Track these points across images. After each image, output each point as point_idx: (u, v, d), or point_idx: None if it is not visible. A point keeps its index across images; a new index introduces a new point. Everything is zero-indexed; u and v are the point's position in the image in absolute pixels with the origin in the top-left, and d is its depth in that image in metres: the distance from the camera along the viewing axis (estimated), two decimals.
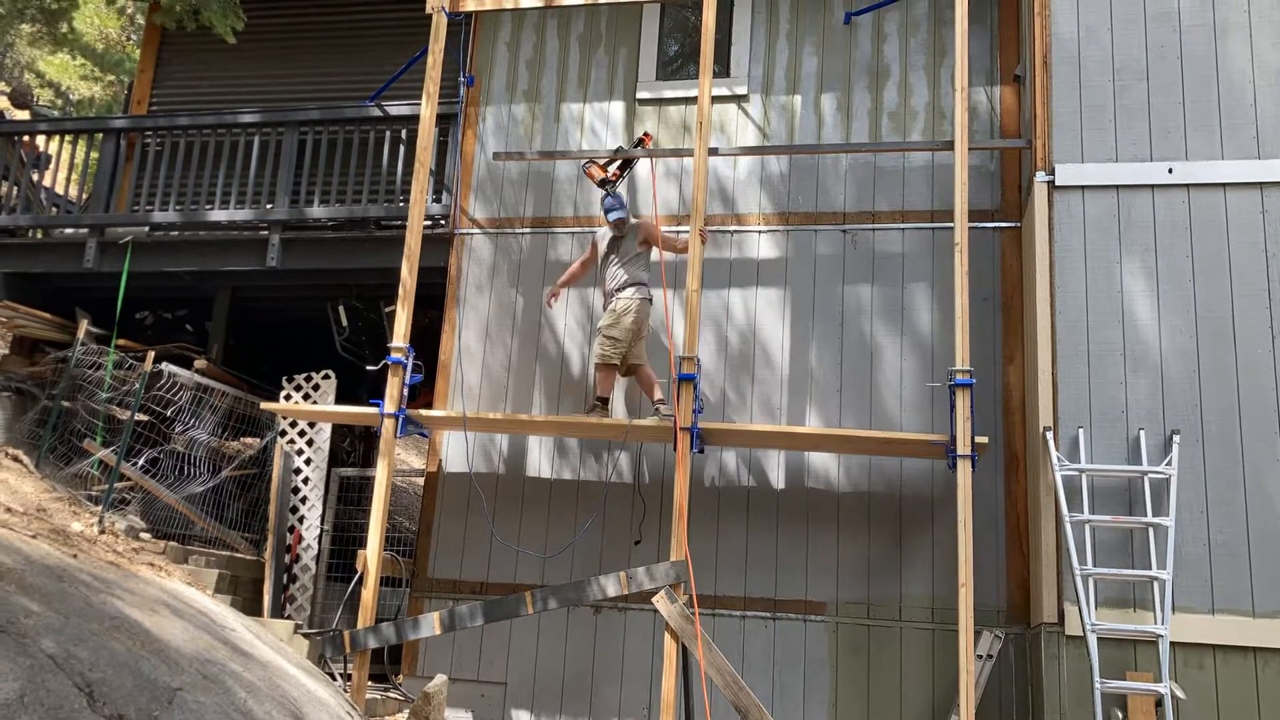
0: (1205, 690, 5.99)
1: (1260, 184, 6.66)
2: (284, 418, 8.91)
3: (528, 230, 8.50)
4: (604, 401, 7.39)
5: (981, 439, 6.52)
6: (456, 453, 8.15)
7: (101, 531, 7.31)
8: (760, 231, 8.04)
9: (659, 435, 7.22)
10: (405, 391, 7.17)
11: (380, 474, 7.09)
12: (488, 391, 8.24)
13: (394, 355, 7.18)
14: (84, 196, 10.83)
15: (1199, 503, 6.26)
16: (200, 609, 5.89)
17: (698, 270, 6.91)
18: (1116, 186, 6.82)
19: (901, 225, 7.81)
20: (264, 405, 8.09)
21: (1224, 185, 6.70)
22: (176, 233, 9.69)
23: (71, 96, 19.54)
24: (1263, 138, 6.72)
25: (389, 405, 7.15)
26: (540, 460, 8.05)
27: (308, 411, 8.11)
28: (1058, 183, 6.87)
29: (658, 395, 7.32)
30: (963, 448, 6.37)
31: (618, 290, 7.44)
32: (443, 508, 8.09)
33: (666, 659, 6.40)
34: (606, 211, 7.53)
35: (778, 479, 7.60)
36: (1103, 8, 7.10)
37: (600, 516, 7.70)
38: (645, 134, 8.18)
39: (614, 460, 7.85)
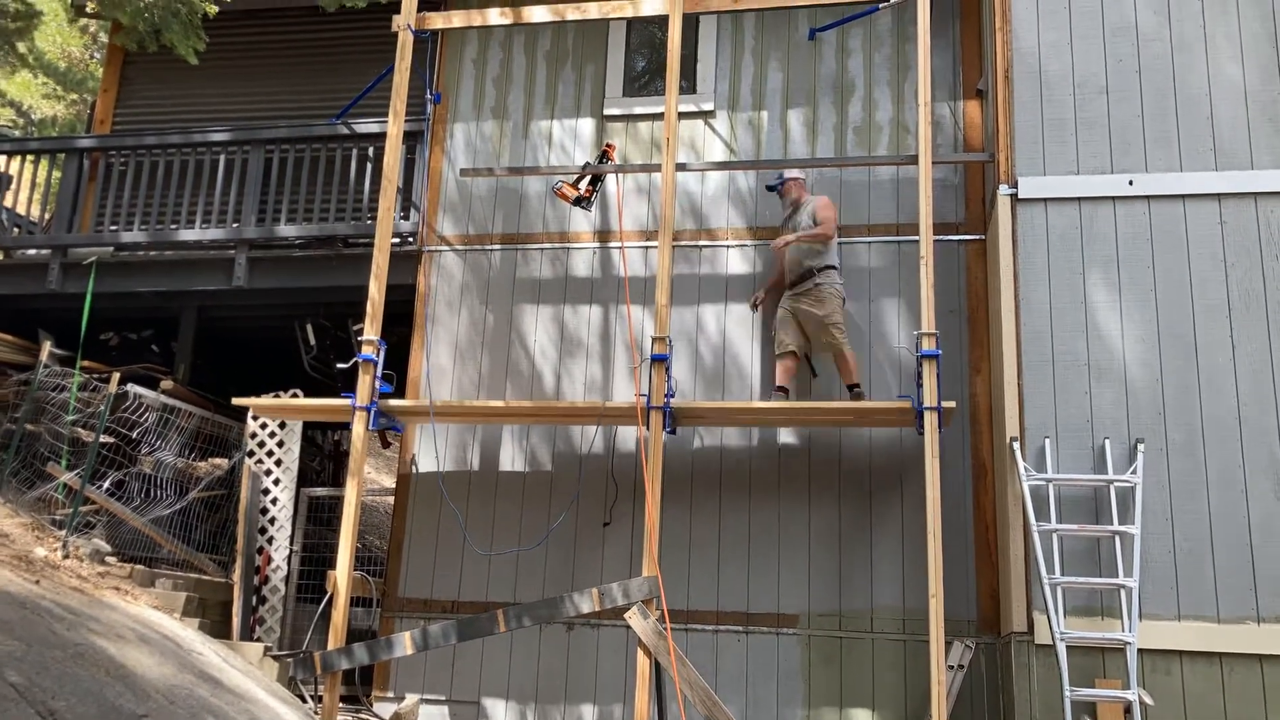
0: (1173, 696, 6.05)
1: (1218, 195, 6.76)
2: (251, 437, 8.84)
3: (497, 247, 8.49)
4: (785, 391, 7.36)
5: (949, 404, 6.60)
6: (429, 454, 8.12)
7: (66, 556, 7.21)
8: (729, 246, 8.07)
9: (632, 418, 7.23)
10: (377, 384, 7.17)
11: (350, 493, 7.04)
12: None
13: (365, 352, 7.18)
14: (46, 217, 10.70)
15: (1164, 510, 6.33)
16: (167, 634, 5.82)
17: (667, 268, 6.94)
18: (1078, 199, 6.91)
19: (868, 239, 7.86)
20: (236, 401, 7.98)
21: (1183, 197, 6.80)
22: (141, 252, 9.60)
23: (33, 115, 19.32)
24: (1220, 150, 6.83)
25: (361, 398, 7.15)
26: (513, 454, 8.06)
27: (280, 407, 8.04)
28: (1021, 195, 6.95)
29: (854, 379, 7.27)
30: (930, 437, 6.41)
31: (820, 270, 7.29)
32: (414, 514, 8.04)
33: (639, 675, 6.38)
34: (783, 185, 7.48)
35: (748, 471, 7.62)
36: (1063, 22, 7.20)
37: (574, 504, 7.74)
38: (608, 145, 8.21)
39: (589, 445, 7.88)
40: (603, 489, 7.79)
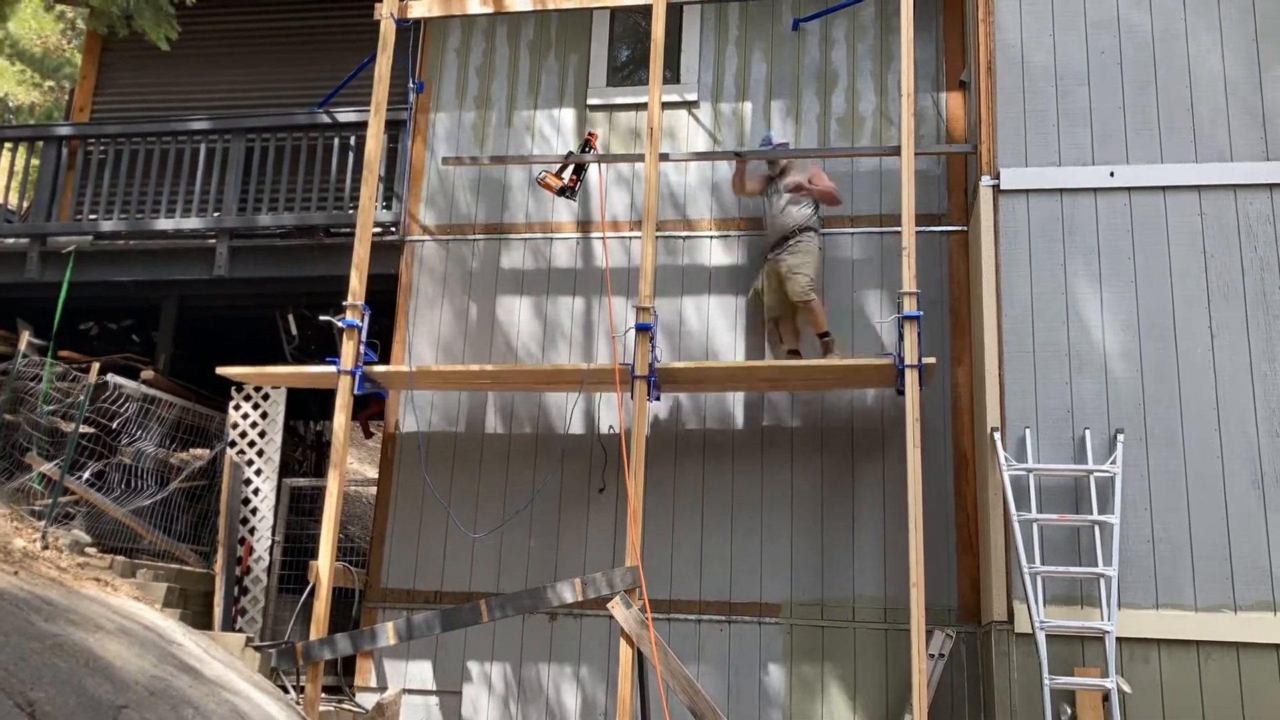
0: (1150, 684, 6.10)
1: (1198, 186, 6.80)
2: (233, 428, 8.80)
3: (480, 237, 8.47)
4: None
5: (929, 359, 6.67)
6: (412, 446, 8.10)
7: (45, 547, 7.17)
8: (711, 237, 8.07)
9: (615, 382, 7.23)
10: (361, 350, 7.21)
11: (332, 483, 7.03)
12: (440, 401, 8.20)
13: (349, 317, 7.21)
14: (25, 205, 10.60)
15: (1143, 500, 6.38)
16: (147, 624, 5.79)
17: (651, 237, 6.94)
18: (1060, 190, 6.94)
19: (851, 230, 7.88)
20: (220, 370, 7.92)
21: (1163, 188, 6.84)
22: (121, 242, 9.52)
23: (10, 103, 19.12)
24: (1200, 142, 6.87)
25: (345, 363, 7.17)
26: (496, 439, 8.08)
27: (263, 374, 8.01)
28: (1003, 187, 6.98)
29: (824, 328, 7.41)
30: (911, 394, 6.47)
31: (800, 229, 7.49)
32: (397, 504, 8.03)
33: (622, 664, 6.40)
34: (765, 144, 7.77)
35: (730, 461, 7.63)
36: (1045, 15, 7.22)
37: (559, 471, 7.79)
38: (590, 134, 8.19)
39: (571, 411, 7.92)
40: (585, 472, 7.80)
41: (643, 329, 6.85)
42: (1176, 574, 6.25)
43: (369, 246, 7.45)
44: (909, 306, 6.61)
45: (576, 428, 7.91)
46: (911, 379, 6.53)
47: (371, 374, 7.34)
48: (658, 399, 7.04)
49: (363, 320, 7.23)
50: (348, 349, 7.19)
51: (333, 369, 7.25)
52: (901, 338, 6.62)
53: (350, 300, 7.26)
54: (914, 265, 6.69)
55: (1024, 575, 6.22)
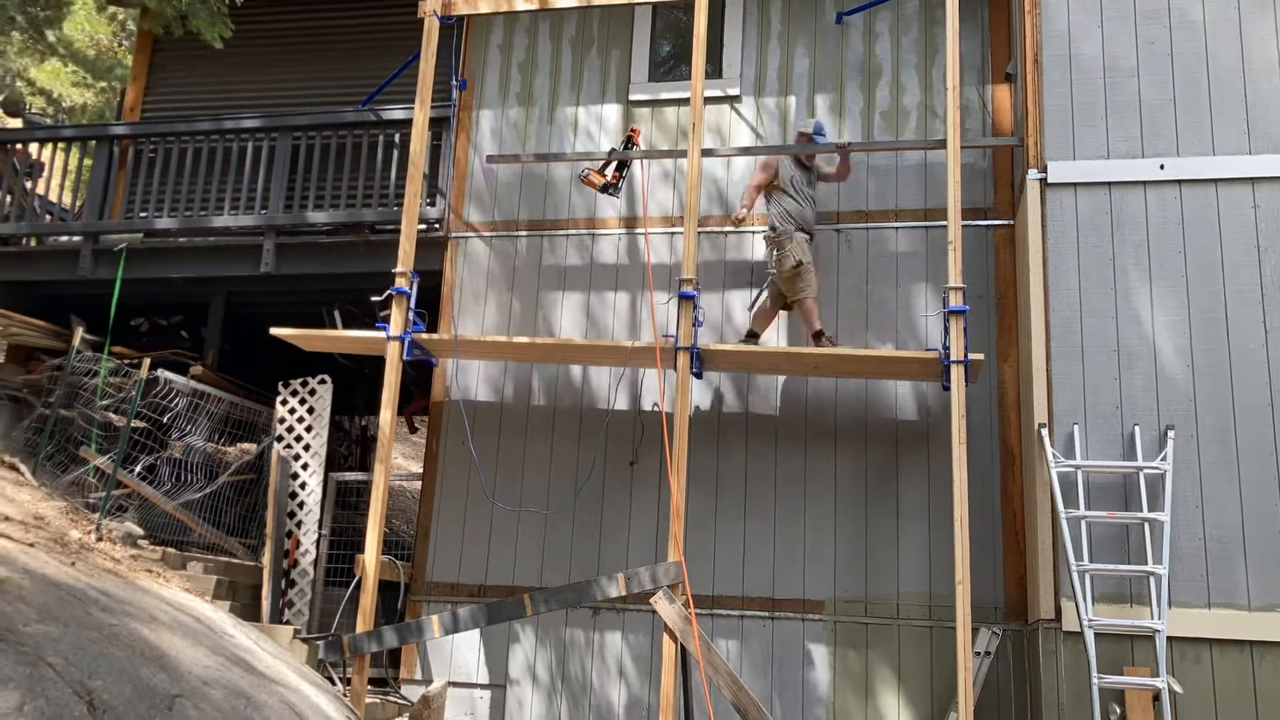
0: (1202, 684, 6.01)
1: (1252, 179, 6.67)
2: (280, 422, 8.91)
3: (524, 233, 8.51)
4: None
5: (977, 355, 6.64)
6: (457, 432, 8.16)
7: (99, 539, 7.31)
8: (755, 232, 8.05)
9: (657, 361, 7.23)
10: (410, 317, 7.33)
11: (378, 477, 7.10)
12: (484, 396, 8.25)
13: (398, 285, 7.32)
14: (78, 203, 10.81)
15: (1194, 497, 6.28)
16: (199, 616, 5.89)
17: (694, 214, 6.93)
18: (1109, 183, 6.84)
19: (895, 224, 7.83)
20: (274, 331, 8.04)
21: (1215, 181, 6.72)
22: (171, 239, 9.69)
23: (63, 103, 19.47)
24: (1253, 133, 6.74)
25: (394, 328, 7.28)
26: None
27: (315, 337, 8.09)
28: (1050, 180, 6.89)
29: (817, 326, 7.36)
30: (957, 391, 6.42)
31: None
32: (441, 498, 8.09)
33: (665, 659, 6.41)
34: (817, 134, 7.65)
35: (774, 456, 7.62)
36: (1093, 5, 7.12)
37: (602, 454, 7.85)
38: (633, 129, 8.19)
39: (615, 387, 7.99)
40: (628, 455, 7.82)
41: (685, 297, 6.86)
42: (1229, 573, 6.15)
43: (414, 243, 7.53)
44: (955, 301, 6.57)
45: (620, 409, 7.92)
46: (957, 374, 6.49)
47: (419, 339, 7.43)
48: (699, 375, 7.04)
49: (411, 287, 7.32)
50: (397, 315, 7.30)
51: (382, 334, 7.35)
52: (947, 332, 6.57)
53: (400, 268, 7.35)
54: (960, 260, 6.65)
55: (1072, 573, 6.15)
